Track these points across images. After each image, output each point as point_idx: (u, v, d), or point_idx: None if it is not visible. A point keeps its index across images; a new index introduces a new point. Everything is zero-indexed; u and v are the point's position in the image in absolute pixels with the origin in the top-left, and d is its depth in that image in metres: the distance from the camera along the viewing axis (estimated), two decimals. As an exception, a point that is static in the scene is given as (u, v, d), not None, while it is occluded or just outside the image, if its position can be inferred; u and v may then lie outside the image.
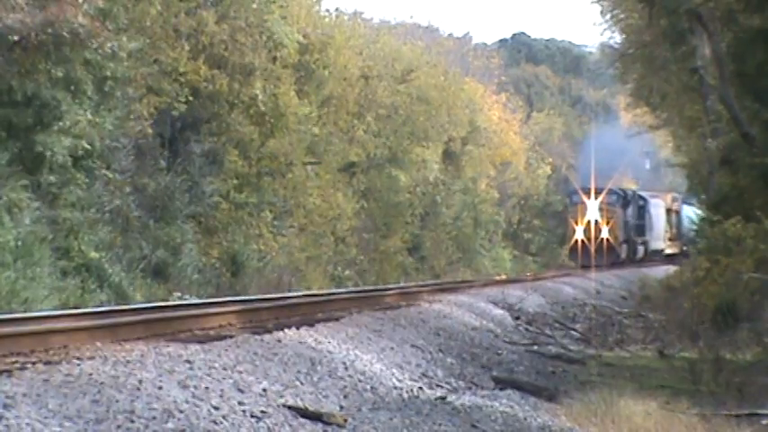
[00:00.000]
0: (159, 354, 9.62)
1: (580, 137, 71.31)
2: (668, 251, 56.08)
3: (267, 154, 31.20)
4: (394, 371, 12.55)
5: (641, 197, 53.80)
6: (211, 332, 12.28)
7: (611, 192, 49.64)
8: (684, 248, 56.59)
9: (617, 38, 39.65)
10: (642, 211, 52.89)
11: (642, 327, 22.94)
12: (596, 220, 48.30)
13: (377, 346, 13.65)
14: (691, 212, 56.18)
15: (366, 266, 37.51)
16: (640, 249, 53.56)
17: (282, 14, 30.96)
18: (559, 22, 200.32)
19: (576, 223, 48.86)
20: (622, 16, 35.79)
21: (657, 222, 54.73)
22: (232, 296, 20.64)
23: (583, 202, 48.98)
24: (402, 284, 30.00)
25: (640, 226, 52.94)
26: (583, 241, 48.11)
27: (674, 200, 57.83)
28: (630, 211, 51.95)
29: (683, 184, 47.72)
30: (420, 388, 12.06)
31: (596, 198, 48.33)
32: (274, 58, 30.60)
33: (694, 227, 54.86)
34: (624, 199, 51.48)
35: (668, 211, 56.75)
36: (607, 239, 48.48)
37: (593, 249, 46.61)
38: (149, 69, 25.73)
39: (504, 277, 39.52)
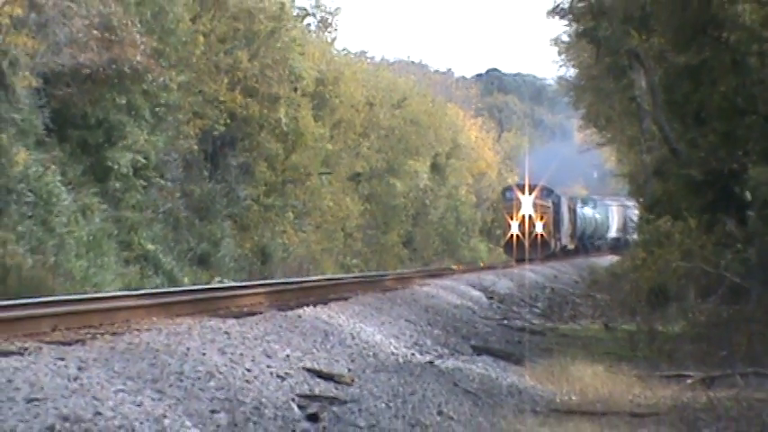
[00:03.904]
0: (203, 327, 9.62)
1: (541, 152, 71.16)
2: (569, 246, 49.39)
3: (290, 166, 31.25)
4: (392, 340, 12.53)
5: (557, 195, 46.37)
6: (245, 309, 12.25)
7: (543, 188, 42.91)
8: (578, 245, 52.95)
9: (571, 72, 39.74)
10: (557, 207, 45.43)
11: (591, 305, 22.86)
12: (530, 216, 41.52)
13: (378, 320, 13.63)
14: (588, 211, 55.02)
15: (369, 256, 37.55)
16: (558, 245, 46.66)
17: (302, 53, 31.01)
18: (525, 59, 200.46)
19: (512, 218, 41.77)
20: (575, 55, 35.82)
21: (565, 219, 48.16)
22: (261, 280, 20.63)
23: (517, 198, 41.88)
24: (398, 271, 29.95)
25: (557, 222, 45.54)
26: (518, 236, 41.24)
27: (571, 199, 50.97)
28: (553, 207, 44.93)
29: (624, 189, 46.89)
30: (413, 354, 12.04)
31: (530, 194, 41.64)
32: (295, 89, 30.66)
33: (588, 225, 54.01)
34: (552, 195, 44.62)
35: (569, 209, 49.64)
36: (541, 234, 41.89)
37: (527, 244, 40.20)
38: (195, 98, 25.77)
39: (482, 265, 38.66)
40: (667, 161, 20.33)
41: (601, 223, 56.20)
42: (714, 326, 14.68)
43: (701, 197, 17.13)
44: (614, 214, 57.60)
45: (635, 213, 45.54)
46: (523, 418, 8.68)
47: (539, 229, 41.56)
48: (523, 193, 41.55)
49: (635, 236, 34.53)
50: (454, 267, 33.91)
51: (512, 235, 41.49)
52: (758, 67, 15.12)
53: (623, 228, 56.03)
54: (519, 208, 41.51)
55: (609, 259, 47.56)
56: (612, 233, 57.70)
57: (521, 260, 36.94)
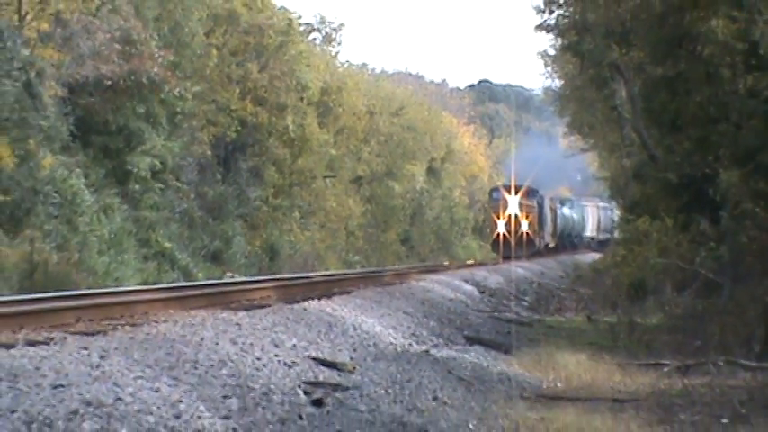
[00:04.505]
0: (216, 318, 9.61)
1: (529, 156, 70.78)
2: (551, 245, 48.10)
3: (296, 170, 31.27)
4: (390, 331, 12.52)
5: (541, 196, 44.24)
6: (255, 302, 12.23)
7: (529, 189, 41.18)
8: (558, 243, 52.51)
9: (557, 83, 39.70)
10: (541, 208, 43.91)
11: (575, 299, 22.87)
12: (516, 215, 39.88)
13: (378, 312, 13.61)
14: (567, 211, 54.85)
15: (370, 253, 37.53)
16: (542, 243, 45.02)
17: (308, 65, 31.02)
18: (514, 71, 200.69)
19: (499, 218, 40.12)
20: (560, 67, 35.81)
21: (548, 219, 46.75)
22: (270, 276, 20.61)
23: (504, 198, 40.13)
24: (396, 267, 29.93)
25: (541, 221, 44.02)
26: (504, 234, 39.57)
27: (552, 200, 49.39)
28: (538, 207, 43.20)
29: (606, 192, 46.60)
30: (410, 344, 12.04)
31: (516, 194, 39.73)
32: (302, 98, 30.67)
33: (567, 224, 53.90)
34: (537, 196, 43.08)
35: (551, 209, 48.23)
36: (527, 233, 40.31)
37: (513, 242, 38.22)
38: (209, 107, 25.79)
39: (472, 262, 38.59)
40: (646, 165, 20.34)
41: (577, 223, 56.05)
42: (689, 318, 14.71)
43: (676, 199, 17.14)
44: (590, 214, 57.42)
45: (610, 213, 45.24)
46: (513, 403, 8.69)
47: (524, 227, 40.48)
48: (510, 193, 40.27)
49: (609, 234, 34.15)
50: (446, 263, 33.89)
51: (499, 233, 40.31)
52: (730, 78, 15.13)
53: (598, 227, 55.83)
54: (506, 208, 40.24)
55: (591, 256, 47.48)
56: (588, 232, 57.51)
57: (507, 257, 35.95)
